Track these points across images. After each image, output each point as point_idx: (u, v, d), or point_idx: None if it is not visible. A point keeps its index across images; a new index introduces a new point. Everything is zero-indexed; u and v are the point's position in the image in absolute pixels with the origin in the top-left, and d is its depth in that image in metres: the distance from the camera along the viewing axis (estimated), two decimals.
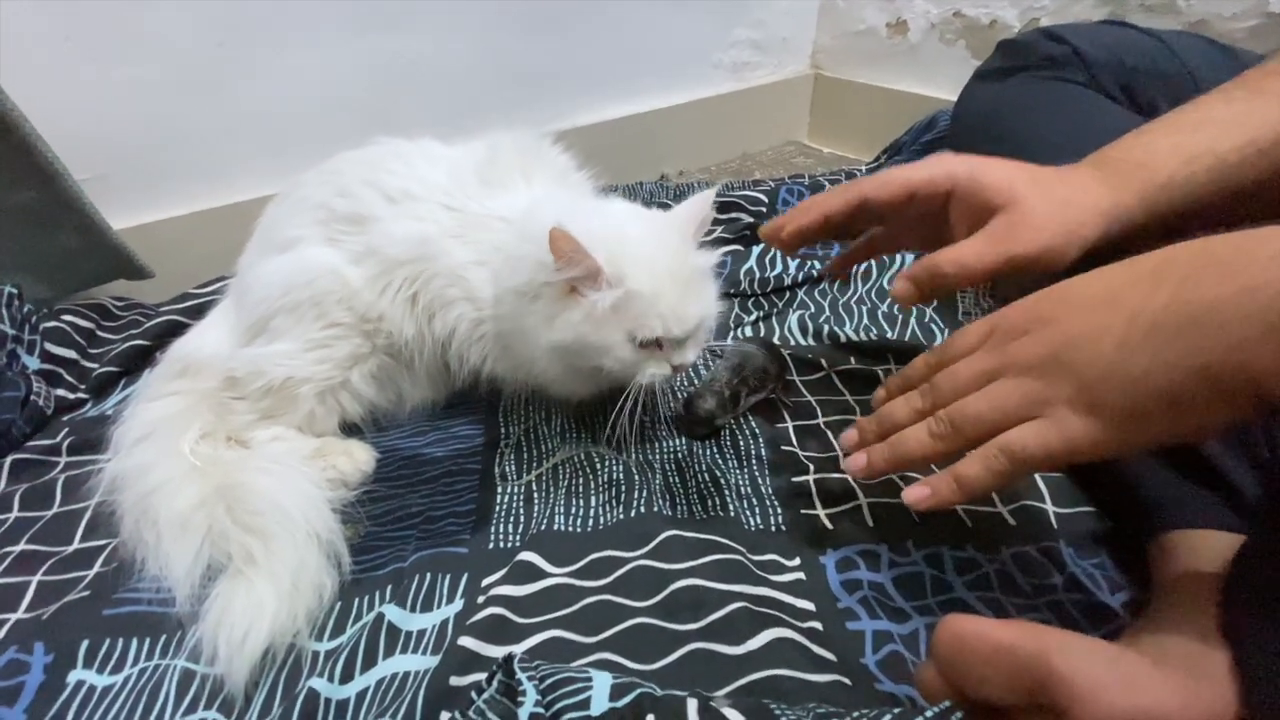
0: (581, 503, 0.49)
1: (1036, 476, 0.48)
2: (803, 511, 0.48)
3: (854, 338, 0.64)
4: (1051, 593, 0.42)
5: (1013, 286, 0.42)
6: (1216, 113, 0.39)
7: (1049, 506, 0.47)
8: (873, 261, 0.73)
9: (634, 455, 0.53)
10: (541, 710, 0.31)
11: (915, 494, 0.34)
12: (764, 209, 0.83)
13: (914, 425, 0.35)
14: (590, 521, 0.47)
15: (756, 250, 0.77)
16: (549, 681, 0.32)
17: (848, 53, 1.22)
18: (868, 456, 0.37)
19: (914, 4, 1.11)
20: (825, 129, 1.29)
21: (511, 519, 0.48)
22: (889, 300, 0.69)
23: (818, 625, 0.40)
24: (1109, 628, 0.39)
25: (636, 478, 0.50)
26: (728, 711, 0.30)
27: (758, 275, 0.74)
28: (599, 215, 0.50)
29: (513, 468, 0.53)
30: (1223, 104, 0.40)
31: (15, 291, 0.64)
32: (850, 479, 0.50)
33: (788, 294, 0.73)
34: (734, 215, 0.84)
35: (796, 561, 0.44)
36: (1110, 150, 0.40)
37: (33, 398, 0.59)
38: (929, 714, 0.28)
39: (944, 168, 0.41)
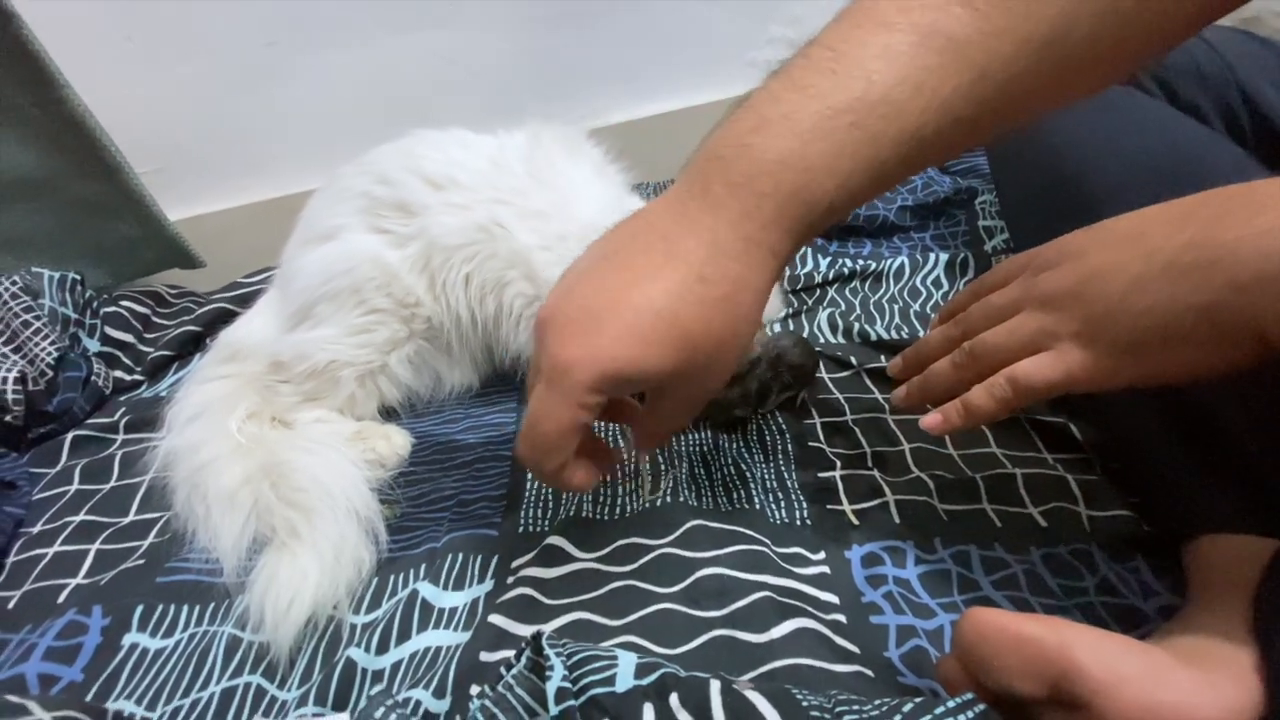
0: (608, 491, 0.50)
1: (1070, 480, 0.48)
2: (828, 507, 0.48)
3: (884, 336, 0.64)
4: (1082, 595, 0.41)
5: None
6: (875, 86, 0.28)
7: (1082, 509, 0.46)
8: (905, 260, 0.73)
9: (661, 446, 0.54)
10: (568, 685, 0.32)
11: (930, 420, 0.35)
12: None
13: (945, 357, 0.36)
14: (617, 509, 0.48)
15: None
16: (576, 659, 0.33)
17: None
18: (906, 388, 0.38)
19: None
20: None
21: (540, 505, 0.49)
22: (921, 299, 0.69)
23: (841, 618, 0.40)
24: (1140, 631, 0.38)
25: (664, 467, 0.51)
26: (750, 694, 0.31)
27: (788, 273, 0.74)
28: None
29: None
30: (866, 59, 0.28)
31: (78, 278, 0.68)
32: (877, 476, 0.50)
33: (818, 291, 0.73)
34: None
35: (821, 555, 0.45)
36: (758, 174, 0.29)
37: (93, 378, 0.63)
38: (950, 704, 0.29)
39: (582, 387, 0.30)
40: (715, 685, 0.31)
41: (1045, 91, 0.29)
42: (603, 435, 0.56)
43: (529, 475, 0.52)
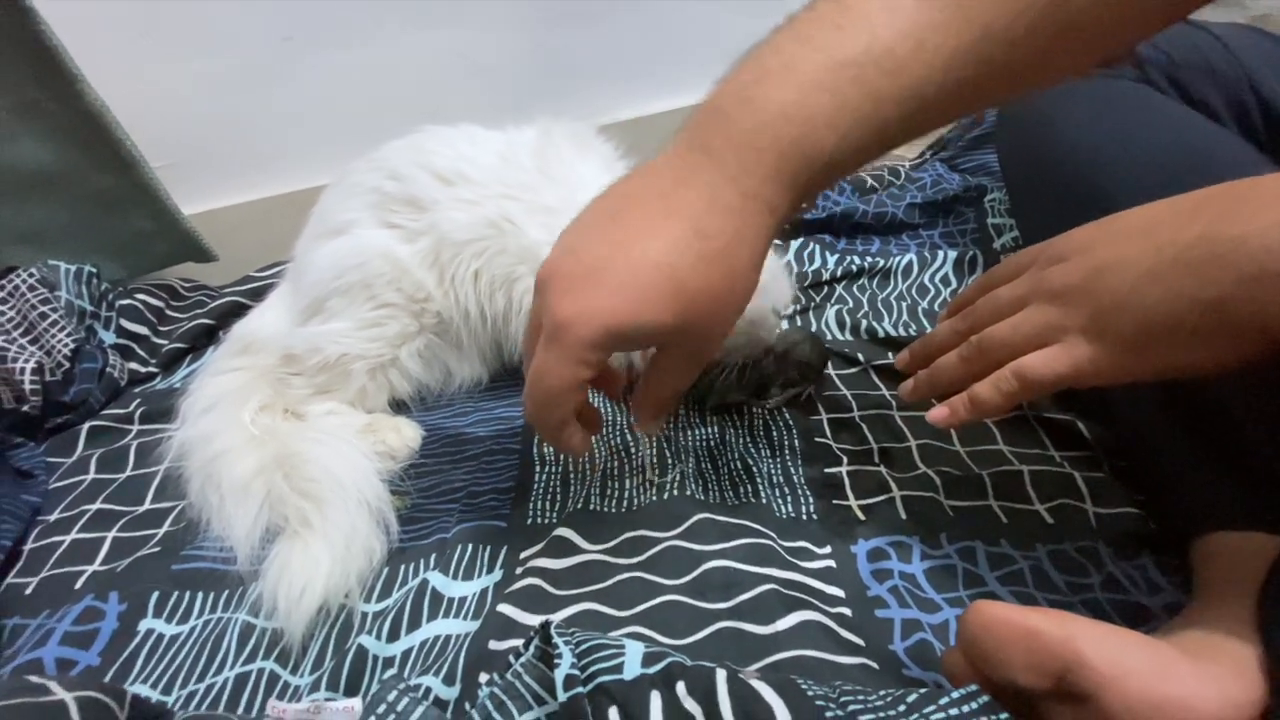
0: (616, 485, 0.50)
1: (1077, 477, 0.48)
2: (835, 502, 0.48)
3: (892, 333, 0.64)
4: (1088, 591, 0.41)
5: None
6: (881, 33, 0.28)
7: (1089, 506, 0.46)
8: (913, 257, 0.73)
9: (668, 441, 0.54)
10: (576, 673, 0.32)
11: (937, 413, 0.35)
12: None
13: (953, 350, 0.36)
14: (624, 503, 0.49)
15: (795, 245, 0.78)
16: (584, 647, 0.33)
17: None
18: (913, 381, 0.39)
19: None
20: None
21: (549, 497, 0.50)
22: (929, 297, 0.69)
23: (846, 611, 0.41)
24: (1146, 628, 0.38)
25: (670, 462, 0.52)
26: (756, 684, 0.31)
27: (795, 270, 0.75)
28: None
29: (551, 450, 0.55)
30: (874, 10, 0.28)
31: (94, 271, 0.69)
32: (883, 471, 0.50)
33: (826, 288, 0.73)
34: None
35: (827, 550, 0.45)
36: (761, 126, 0.29)
37: (108, 370, 0.63)
38: (955, 695, 0.29)
39: (587, 344, 0.30)
40: (721, 674, 0.31)
41: (1049, 57, 0.29)
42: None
43: (537, 468, 0.52)
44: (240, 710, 0.38)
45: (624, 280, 0.29)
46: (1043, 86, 0.33)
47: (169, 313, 0.73)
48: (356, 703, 0.30)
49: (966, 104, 0.31)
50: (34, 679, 0.28)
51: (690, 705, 0.30)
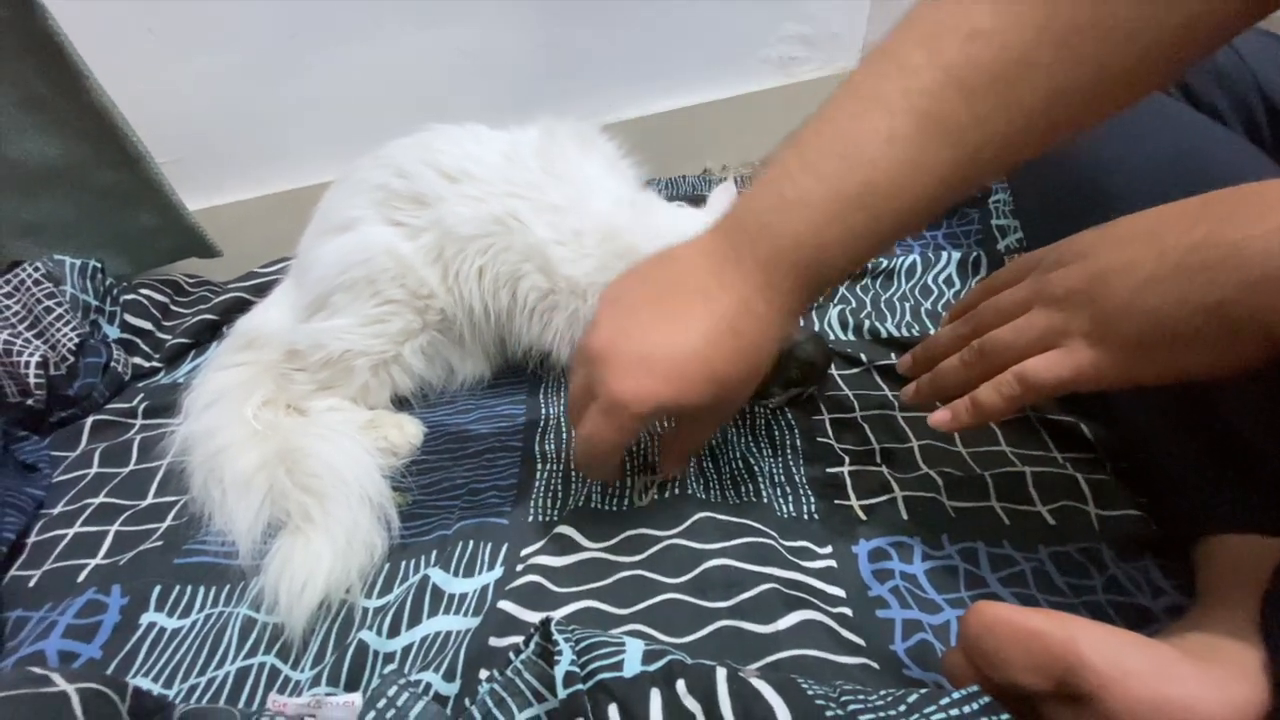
0: (617, 483, 0.50)
1: (1080, 479, 0.48)
2: (836, 502, 0.48)
3: (895, 334, 0.64)
4: (1090, 593, 0.41)
5: None
6: (877, 146, 0.32)
7: (1092, 508, 0.46)
8: (917, 258, 0.73)
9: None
10: (576, 670, 0.32)
11: (938, 417, 0.36)
12: None
13: (955, 354, 0.37)
14: (625, 501, 0.49)
15: None
16: (584, 644, 0.33)
17: None
18: (915, 386, 0.39)
19: None
20: None
21: (550, 495, 0.50)
22: (933, 297, 0.69)
23: (847, 611, 0.41)
24: (1148, 630, 0.38)
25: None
26: (756, 683, 0.31)
27: None
28: (698, 222, 0.54)
29: (552, 448, 0.55)
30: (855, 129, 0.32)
31: (99, 266, 0.69)
32: (885, 472, 0.50)
33: (828, 289, 0.73)
34: None
35: (828, 550, 0.45)
36: (777, 241, 0.34)
37: (112, 364, 0.64)
38: (955, 696, 0.29)
39: (635, 417, 0.36)
40: (722, 673, 0.31)
41: (1033, 149, 0.32)
42: None
43: (539, 466, 0.52)
44: (241, 705, 0.39)
45: (672, 369, 0.35)
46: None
47: (173, 308, 0.73)
48: (356, 698, 0.30)
49: (955, 200, 0.34)
50: (36, 670, 0.28)
51: (690, 703, 0.30)
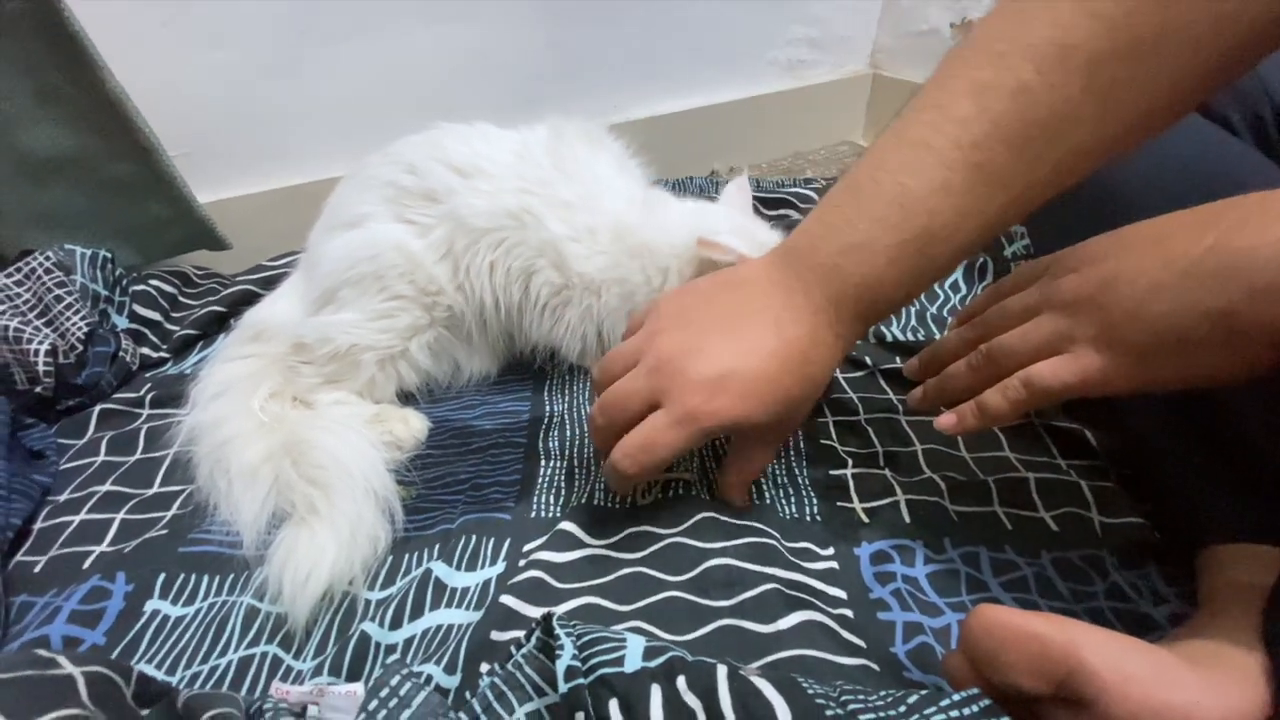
0: None
1: (1084, 485, 0.48)
2: (839, 504, 0.48)
3: (900, 338, 0.64)
4: (1091, 599, 0.41)
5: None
6: (939, 196, 0.34)
7: (1094, 515, 0.46)
8: None
9: None
10: (578, 664, 0.32)
11: (945, 420, 0.37)
12: (814, 207, 0.83)
13: (962, 359, 0.37)
14: (628, 499, 0.49)
15: None
16: (586, 639, 0.33)
17: (909, 53, 1.20)
18: (922, 389, 0.40)
19: (981, 4, 1.08)
20: (882, 130, 1.28)
21: (553, 491, 0.50)
22: (938, 303, 0.69)
23: (848, 613, 0.41)
24: (1149, 638, 0.38)
25: (676, 461, 0.52)
26: (756, 681, 0.31)
27: None
28: (711, 217, 0.57)
29: (556, 445, 0.55)
30: (927, 168, 0.34)
31: (109, 256, 0.69)
32: (888, 475, 0.50)
33: None
34: (783, 212, 0.84)
35: (830, 551, 0.45)
36: (840, 276, 0.36)
37: (120, 354, 0.64)
38: (955, 698, 0.29)
39: (700, 434, 0.38)
40: (722, 670, 0.31)
41: (1078, 180, 0.34)
42: None
43: (542, 462, 0.53)
44: (243, 693, 0.39)
45: (748, 389, 0.37)
46: None
47: (181, 299, 0.74)
48: (359, 687, 0.31)
49: (996, 236, 0.38)
50: (43, 653, 0.29)
51: (690, 700, 0.30)
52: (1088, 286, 0.32)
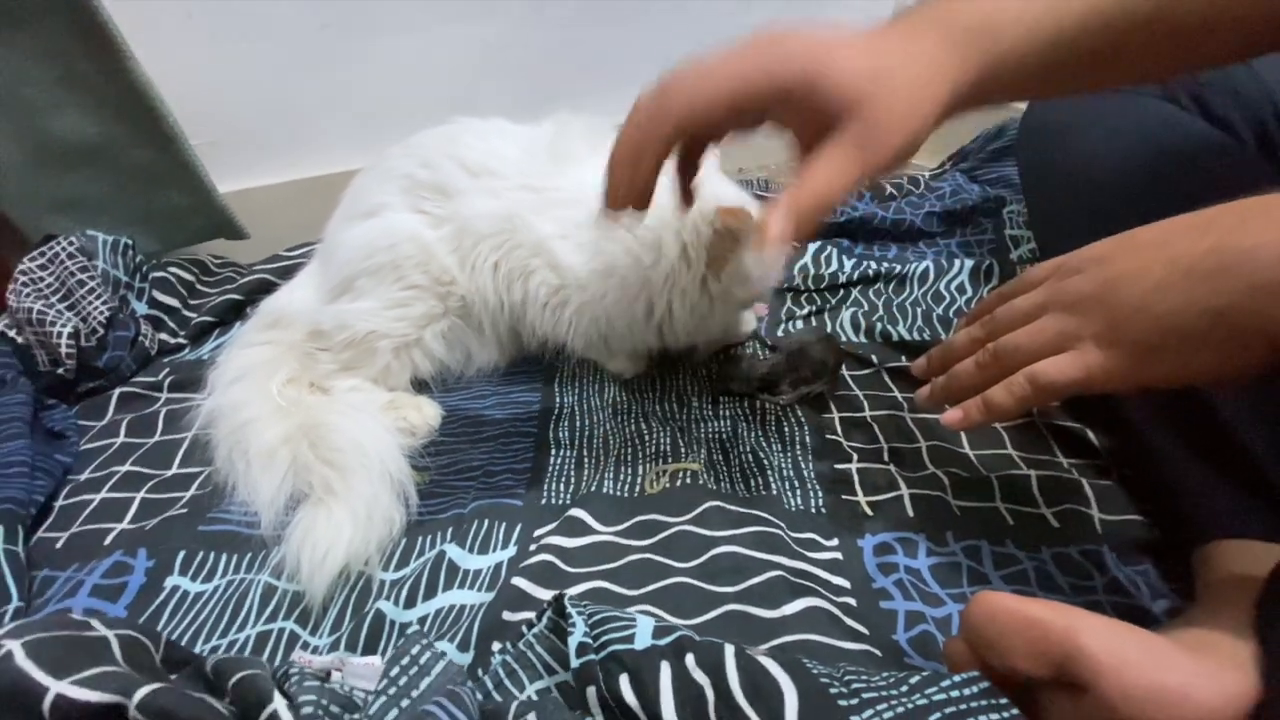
0: (629, 470, 0.52)
1: (1084, 483, 0.49)
2: (843, 497, 0.49)
3: (906, 337, 0.65)
4: (1090, 593, 0.42)
5: None
6: None
7: (1095, 512, 0.47)
8: (930, 264, 0.73)
9: (682, 431, 0.55)
10: (589, 641, 0.33)
11: (950, 416, 0.37)
12: None
13: (970, 357, 0.37)
14: (636, 488, 0.50)
15: (813, 248, 0.79)
16: (597, 618, 0.34)
17: None
18: (930, 387, 0.40)
19: None
20: None
21: (563, 479, 0.51)
22: (944, 304, 0.70)
23: (851, 600, 0.42)
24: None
25: (684, 451, 0.53)
26: (763, 660, 0.32)
27: (812, 272, 0.75)
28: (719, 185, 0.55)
29: (566, 435, 0.56)
30: None
31: (130, 243, 0.71)
32: (892, 470, 0.51)
33: (842, 291, 0.74)
34: None
35: (834, 542, 0.46)
36: (954, 5, 0.35)
37: (140, 339, 0.65)
38: (956, 679, 0.30)
39: (762, 66, 0.34)
40: (730, 649, 0.32)
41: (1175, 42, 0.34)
42: (635, 432, 0.58)
43: (553, 451, 0.54)
44: None
45: (825, 37, 0.33)
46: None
47: (199, 287, 0.75)
48: (377, 659, 0.32)
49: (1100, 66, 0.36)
50: (76, 616, 0.30)
51: (699, 676, 0.31)
52: (1093, 286, 0.32)
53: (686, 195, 0.43)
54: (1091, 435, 0.51)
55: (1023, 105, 0.68)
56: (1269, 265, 0.26)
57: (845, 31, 0.34)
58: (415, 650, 0.31)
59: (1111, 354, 0.31)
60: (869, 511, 0.48)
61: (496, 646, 0.38)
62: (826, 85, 0.32)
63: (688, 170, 0.42)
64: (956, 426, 0.37)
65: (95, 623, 0.29)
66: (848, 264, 0.76)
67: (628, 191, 0.37)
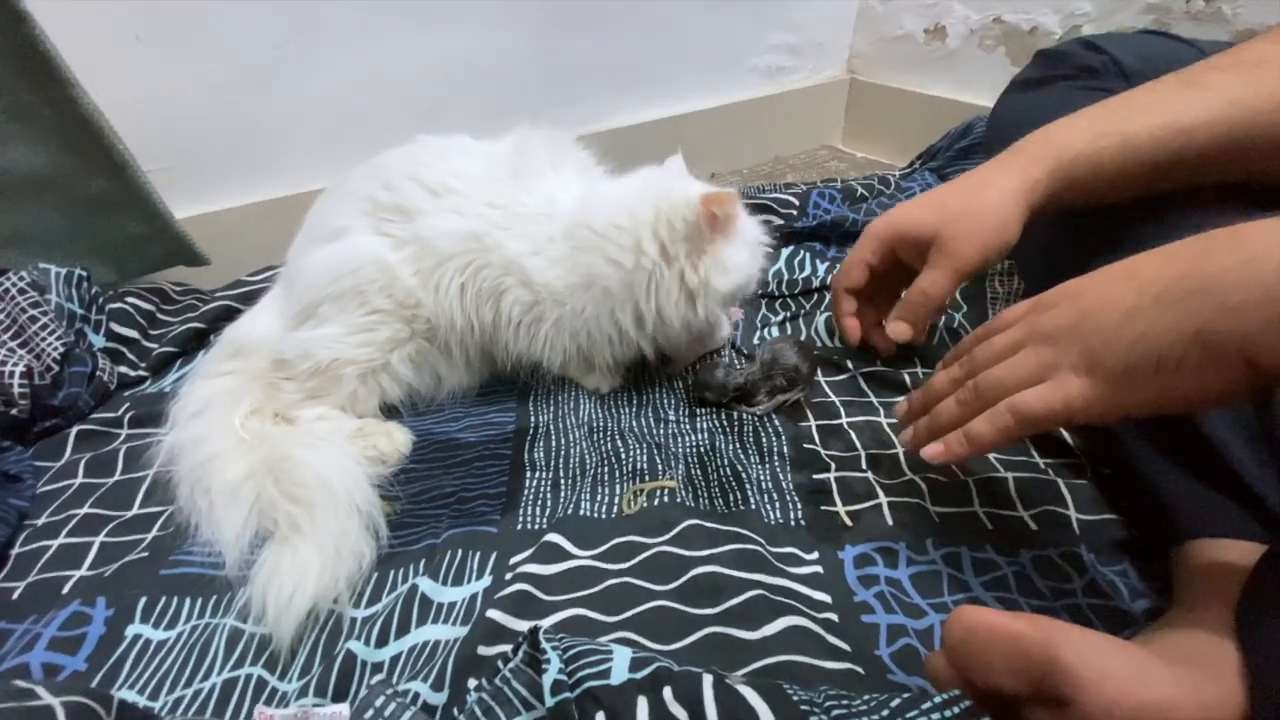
0: (606, 491, 0.51)
1: (1061, 484, 0.49)
2: (823, 508, 0.49)
3: None
4: (1070, 596, 0.42)
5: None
6: (1139, 98, 0.45)
7: (1072, 513, 0.47)
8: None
9: (659, 448, 0.55)
10: (564, 678, 0.32)
11: (931, 450, 0.37)
12: (794, 211, 0.84)
13: (951, 395, 0.38)
14: (614, 509, 0.49)
15: (786, 252, 0.78)
16: (572, 652, 0.33)
17: (884, 58, 1.22)
18: (913, 429, 0.41)
19: (953, 10, 1.10)
20: (859, 134, 1.29)
21: (539, 503, 0.50)
22: None
23: (833, 616, 0.41)
24: (1127, 633, 0.39)
25: (661, 468, 0.52)
26: (742, 689, 0.31)
27: (786, 277, 0.75)
28: (662, 181, 0.56)
29: (542, 456, 0.55)
30: (1148, 91, 0.45)
31: (84, 274, 0.68)
32: (871, 478, 0.51)
33: (816, 296, 0.74)
34: (765, 217, 0.84)
35: (814, 555, 0.45)
36: (1037, 133, 0.48)
37: (98, 373, 0.63)
38: (936, 700, 0.29)
39: (872, 236, 0.55)
40: (708, 680, 0.31)
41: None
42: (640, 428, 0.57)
43: (528, 474, 0.53)
44: (228, 716, 0.38)
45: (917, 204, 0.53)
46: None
47: (159, 316, 0.73)
48: (344, 708, 0.30)
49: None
50: (21, 684, 0.28)
51: (677, 710, 0.30)
52: (1068, 318, 0.33)
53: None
54: (1066, 435, 0.51)
55: (989, 101, 0.69)
56: (1238, 286, 0.26)
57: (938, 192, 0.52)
58: (379, 702, 0.29)
59: (1090, 382, 0.31)
60: (849, 522, 0.48)
61: (472, 683, 0.37)
62: (906, 228, 0.53)
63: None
64: (937, 459, 0.37)
65: (41, 690, 0.28)
66: (820, 267, 0.76)
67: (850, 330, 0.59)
